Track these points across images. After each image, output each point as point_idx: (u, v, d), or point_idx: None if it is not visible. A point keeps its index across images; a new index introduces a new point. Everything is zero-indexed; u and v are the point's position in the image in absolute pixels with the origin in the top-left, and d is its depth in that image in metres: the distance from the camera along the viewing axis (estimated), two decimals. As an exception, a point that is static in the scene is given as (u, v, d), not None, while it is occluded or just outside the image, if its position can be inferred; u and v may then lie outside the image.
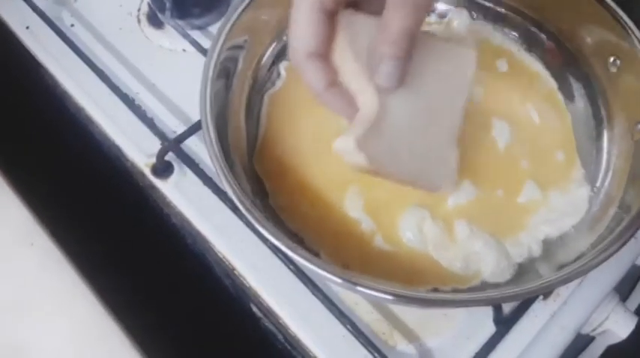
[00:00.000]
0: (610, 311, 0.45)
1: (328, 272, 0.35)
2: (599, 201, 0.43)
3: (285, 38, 0.50)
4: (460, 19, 0.52)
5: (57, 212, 0.48)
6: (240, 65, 0.46)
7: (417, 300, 0.36)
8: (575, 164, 0.45)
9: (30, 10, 0.58)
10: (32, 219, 0.46)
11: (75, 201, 0.56)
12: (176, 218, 0.50)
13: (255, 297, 0.45)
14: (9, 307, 0.43)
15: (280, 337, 0.48)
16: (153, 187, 0.50)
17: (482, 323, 0.43)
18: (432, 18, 0.53)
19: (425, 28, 0.52)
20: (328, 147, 0.39)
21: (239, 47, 0.46)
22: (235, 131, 0.44)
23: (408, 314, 0.44)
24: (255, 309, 0.49)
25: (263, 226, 0.36)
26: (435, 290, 0.40)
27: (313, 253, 0.40)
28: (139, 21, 0.60)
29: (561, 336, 0.43)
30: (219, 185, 0.47)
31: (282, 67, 0.50)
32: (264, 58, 0.49)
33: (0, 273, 0.44)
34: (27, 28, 0.58)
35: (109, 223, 0.57)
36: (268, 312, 0.45)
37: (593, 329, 0.46)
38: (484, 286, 0.41)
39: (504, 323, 0.42)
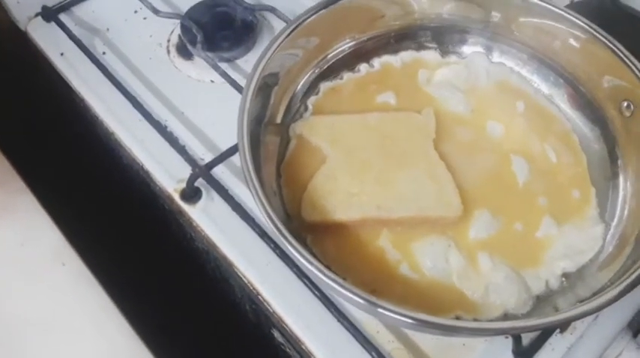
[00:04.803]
0: (623, 347, 0.46)
1: (352, 293, 0.36)
2: (615, 239, 0.45)
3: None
4: (479, 61, 0.55)
5: (85, 233, 0.49)
6: (272, 99, 0.48)
7: (438, 326, 0.37)
8: (591, 203, 0.47)
9: (65, 38, 0.61)
10: (64, 240, 0.47)
11: (101, 222, 0.57)
12: (201, 242, 0.51)
13: (278, 323, 0.46)
14: (40, 326, 0.44)
15: (301, 363, 0.49)
16: (180, 211, 0.51)
17: (501, 354, 0.44)
18: (452, 58, 0.56)
19: (445, 67, 0.55)
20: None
21: (271, 83, 0.49)
22: (267, 161, 0.46)
23: (428, 343, 0.45)
24: (276, 335, 0.50)
25: (296, 249, 0.38)
26: (457, 318, 0.42)
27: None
28: (168, 52, 0.62)
29: (578, 370, 0.44)
30: (248, 211, 0.48)
31: (310, 102, 0.52)
32: (294, 92, 0.52)
33: (32, 293, 0.45)
34: (61, 54, 0.61)
35: (134, 245, 0.58)
36: (291, 338, 0.46)
37: (608, 364, 0.47)
38: (505, 318, 0.42)
39: (523, 355, 0.43)
